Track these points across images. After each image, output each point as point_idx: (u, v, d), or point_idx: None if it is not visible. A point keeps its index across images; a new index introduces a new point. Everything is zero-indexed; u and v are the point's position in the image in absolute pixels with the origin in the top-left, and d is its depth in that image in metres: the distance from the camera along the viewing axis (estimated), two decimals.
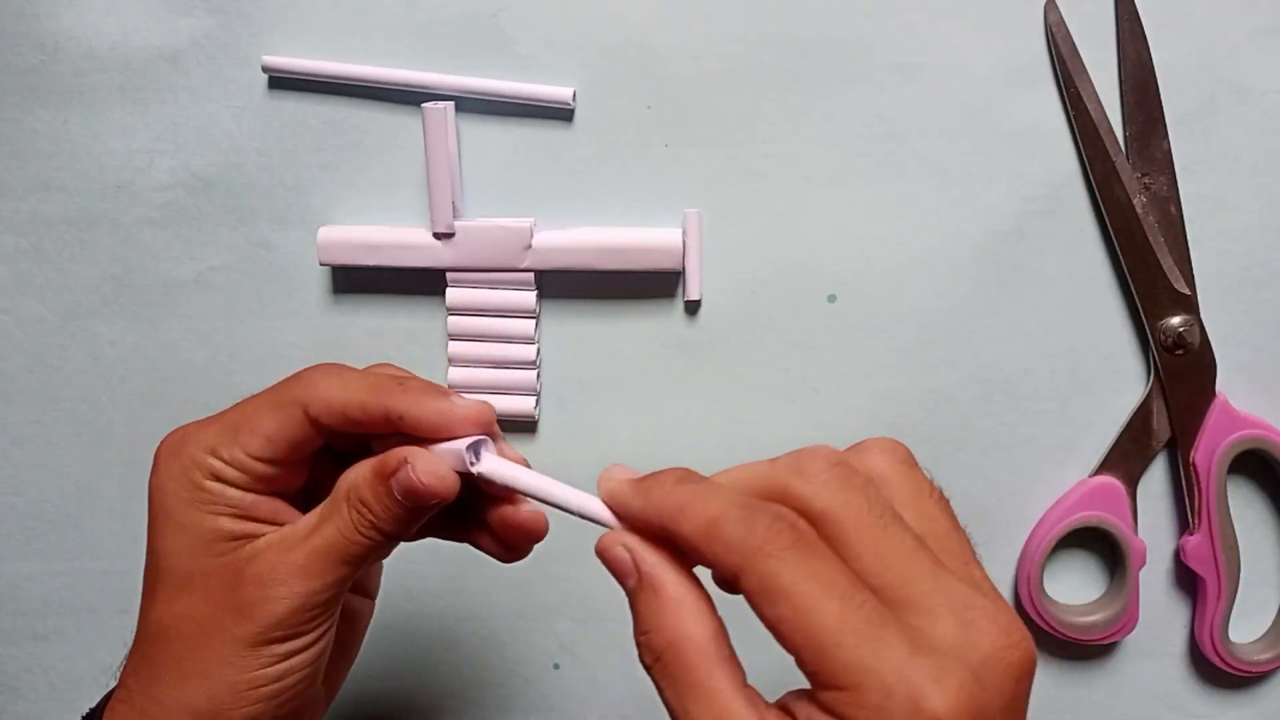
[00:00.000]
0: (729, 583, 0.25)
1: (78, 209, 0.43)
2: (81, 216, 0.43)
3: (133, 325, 0.43)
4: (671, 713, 0.25)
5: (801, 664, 0.24)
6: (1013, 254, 0.41)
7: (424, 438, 0.30)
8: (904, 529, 0.25)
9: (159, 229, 0.43)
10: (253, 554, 0.30)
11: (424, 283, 0.42)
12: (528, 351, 0.42)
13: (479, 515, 0.32)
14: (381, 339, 0.43)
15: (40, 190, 0.43)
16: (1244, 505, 0.42)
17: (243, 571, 0.30)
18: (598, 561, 0.44)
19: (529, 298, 0.41)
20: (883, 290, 0.41)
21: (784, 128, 0.41)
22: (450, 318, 0.42)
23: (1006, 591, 0.43)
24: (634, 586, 0.26)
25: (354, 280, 0.43)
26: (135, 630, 0.32)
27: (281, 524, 0.31)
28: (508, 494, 0.31)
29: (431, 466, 0.29)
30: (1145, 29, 0.39)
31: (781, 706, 0.25)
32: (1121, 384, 0.42)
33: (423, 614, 0.44)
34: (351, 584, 0.32)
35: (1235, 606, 0.41)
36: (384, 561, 0.42)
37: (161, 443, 0.31)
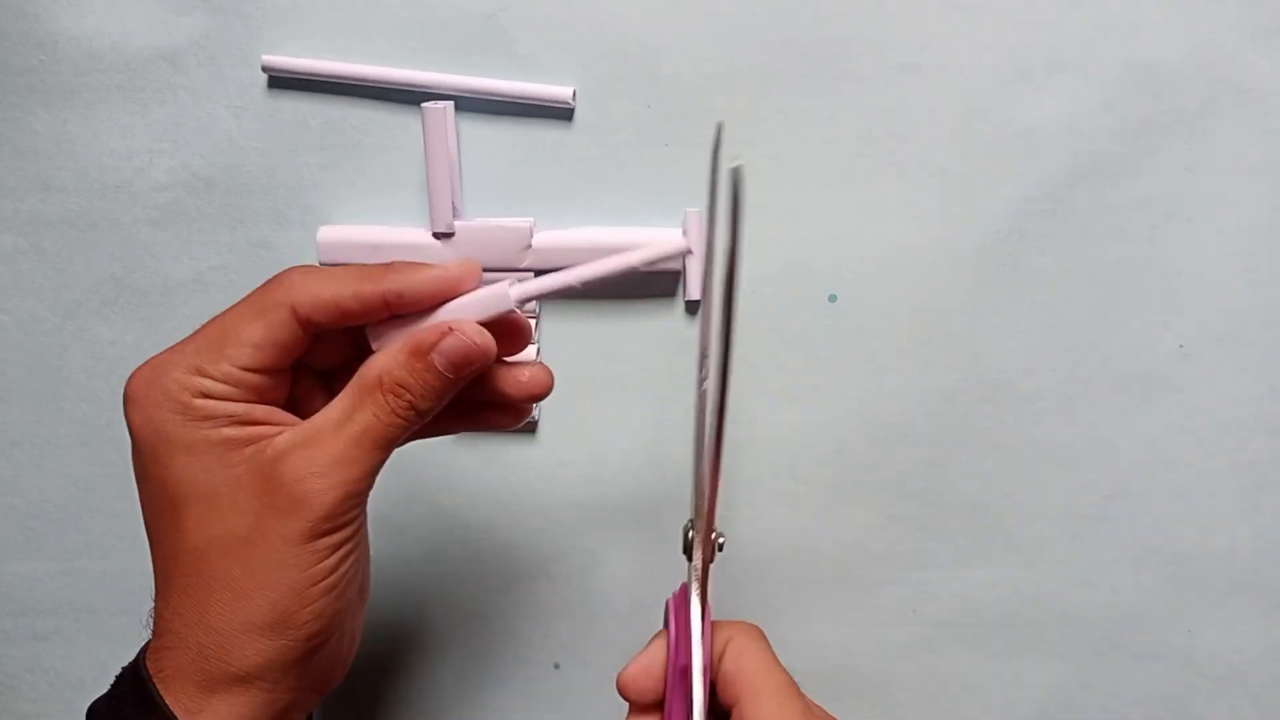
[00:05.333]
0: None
1: (78, 209, 0.43)
2: (81, 216, 0.43)
3: (133, 325, 0.43)
4: None
5: None
6: (1013, 254, 0.41)
7: (418, 312, 0.31)
8: None
9: (159, 229, 0.43)
10: (277, 454, 0.30)
11: None
12: (528, 352, 0.42)
13: (479, 395, 0.33)
14: None
15: (40, 190, 0.43)
16: None
17: (275, 472, 0.30)
18: (598, 562, 0.44)
19: None
20: (883, 290, 0.41)
21: (784, 128, 0.41)
22: None
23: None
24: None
25: None
26: (157, 575, 0.31)
27: (279, 424, 0.31)
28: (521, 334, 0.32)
29: (475, 329, 0.30)
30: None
31: None
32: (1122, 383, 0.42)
33: (423, 614, 0.44)
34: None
35: None
36: (384, 563, 0.42)
37: (132, 378, 0.31)
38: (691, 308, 0.42)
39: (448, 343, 0.30)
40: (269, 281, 0.31)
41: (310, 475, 0.30)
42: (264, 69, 0.41)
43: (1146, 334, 0.41)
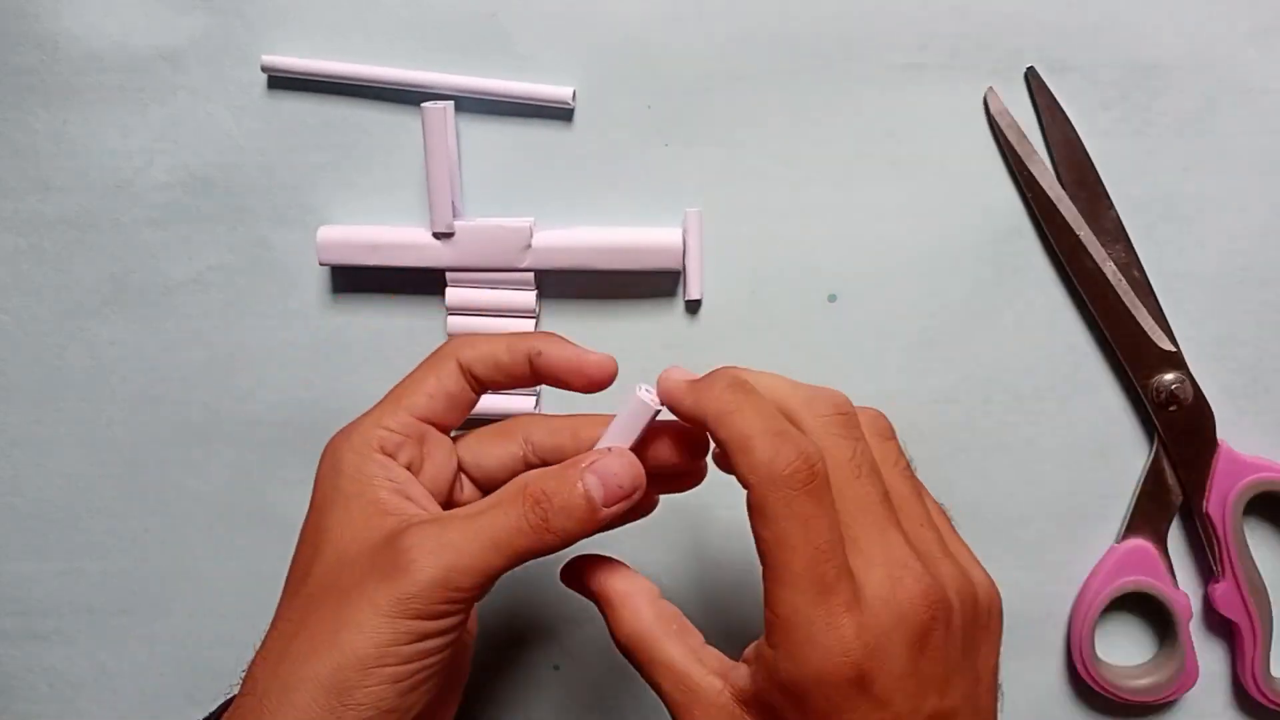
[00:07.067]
0: (742, 484, 0.29)
1: (78, 209, 0.43)
2: (81, 216, 0.43)
3: (133, 325, 0.43)
4: (655, 691, 0.31)
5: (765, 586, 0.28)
6: (1012, 254, 0.41)
7: (559, 386, 0.33)
8: (874, 483, 0.29)
9: (159, 229, 0.43)
10: (405, 525, 0.30)
11: (424, 283, 0.42)
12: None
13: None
14: (381, 339, 0.43)
15: (40, 190, 0.43)
16: (1264, 545, 0.42)
17: (395, 540, 0.30)
18: None
19: (529, 298, 0.41)
20: (883, 290, 0.41)
21: (784, 127, 0.41)
22: (450, 318, 0.42)
23: (1058, 661, 0.43)
24: (597, 604, 0.32)
25: (354, 280, 0.43)
26: (272, 622, 0.31)
27: (430, 512, 0.32)
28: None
29: (628, 455, 0.32)
30: (1071, 117, 0.40)
31: (746, 657, 0.30)
32: (1121, 384, 0.42)
33: None
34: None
35: (1273, 645, 0.41)
36: None
37: (333, 437, 0.33)
38: (691, 307, 0.42)
39: (602, 461, 0.31)
40: (437, 349, 0.34)
41: (418, 547, 0.29)
42: (264, 69, 0.41)
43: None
